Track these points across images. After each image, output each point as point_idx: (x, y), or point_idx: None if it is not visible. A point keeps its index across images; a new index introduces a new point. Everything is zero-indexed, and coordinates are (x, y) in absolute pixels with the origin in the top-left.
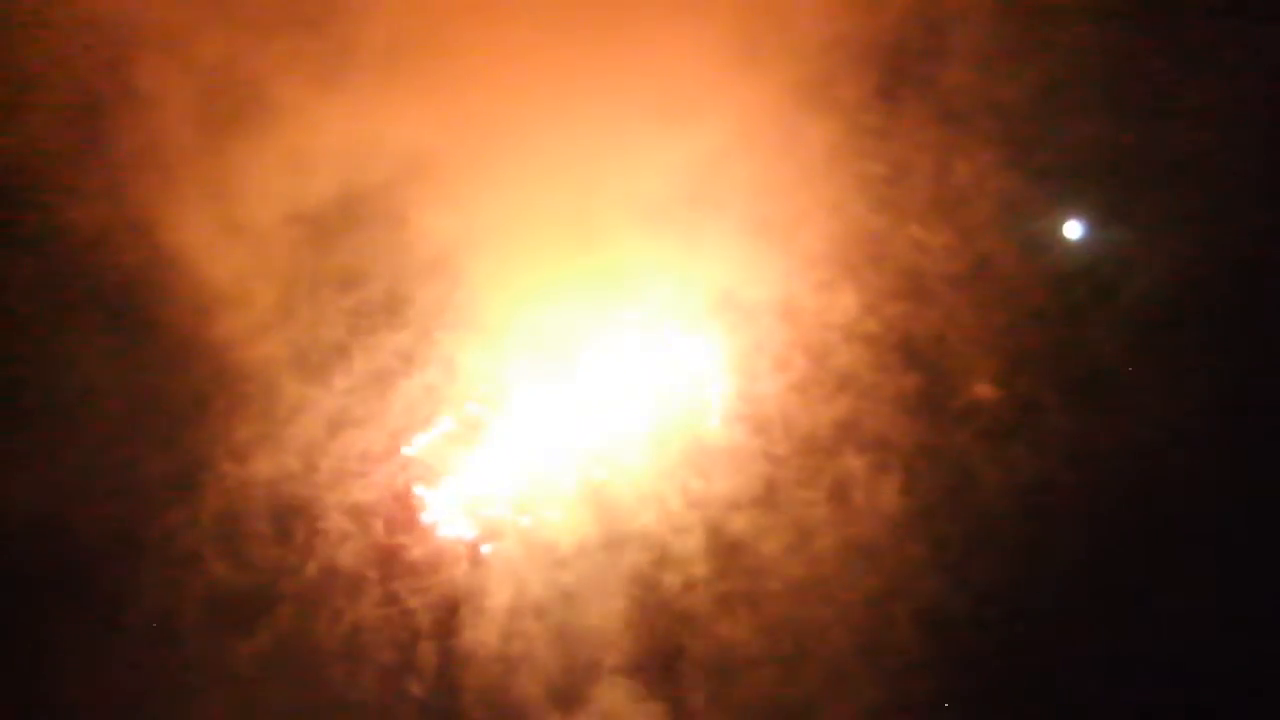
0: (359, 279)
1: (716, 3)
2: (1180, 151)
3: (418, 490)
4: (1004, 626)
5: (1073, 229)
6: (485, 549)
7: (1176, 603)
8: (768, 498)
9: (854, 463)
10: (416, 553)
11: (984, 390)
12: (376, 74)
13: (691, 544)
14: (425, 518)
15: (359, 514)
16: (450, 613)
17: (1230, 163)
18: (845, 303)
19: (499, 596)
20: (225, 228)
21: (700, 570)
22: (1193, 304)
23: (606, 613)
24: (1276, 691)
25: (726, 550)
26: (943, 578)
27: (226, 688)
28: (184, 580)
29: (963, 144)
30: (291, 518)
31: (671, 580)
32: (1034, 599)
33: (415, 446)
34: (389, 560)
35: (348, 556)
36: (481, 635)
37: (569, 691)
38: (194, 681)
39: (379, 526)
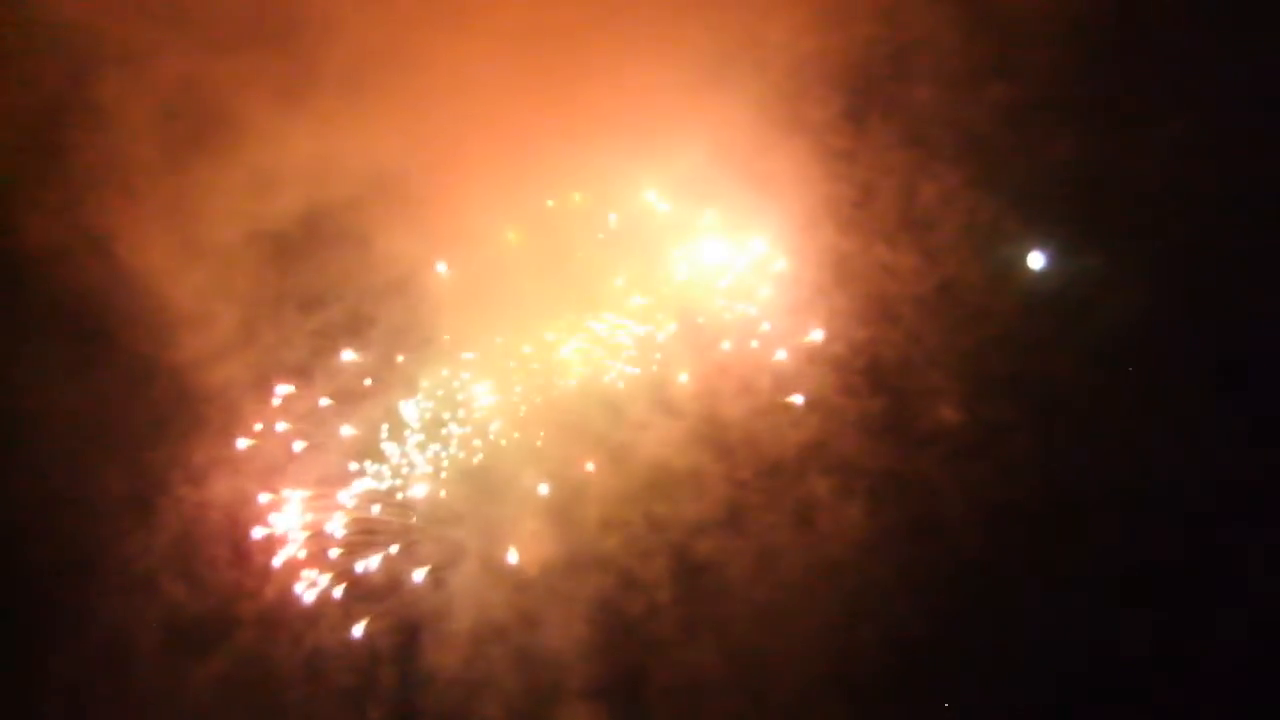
0: (322, 300)
1: (685, 24)
2: (1150, 175)
3: (378, 512)
4: (970, 649)
5: (1041, 253)
6: (447, 572)
7: (1145, 625)
8: (733, 522)
9: (819, 486)
10: (377, 577)
11: (950, 414)
12: (341, 93)
13: (656, 568)
14: (385, 541)
15: (318, 537)
16: (411, 636)
17: (1201, 186)
18: (811, 325)
19: (461, 620)
20: (186, 247)
21: (665, 594)
22: (1161, 327)
23: (570, 637)
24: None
25: (691, 574)
26: (908, 601)
27: (181, 713)
28: (139, 603)
29: (931, 166)
30: (250, 541)
31: (636, 604)
32: (999, 622)
33: (376, 468)
34: (349, 584)
35: (306, 581)
36: (443, 659)
37: (531, 716)
38: (148, 707)
39: (338, 549)
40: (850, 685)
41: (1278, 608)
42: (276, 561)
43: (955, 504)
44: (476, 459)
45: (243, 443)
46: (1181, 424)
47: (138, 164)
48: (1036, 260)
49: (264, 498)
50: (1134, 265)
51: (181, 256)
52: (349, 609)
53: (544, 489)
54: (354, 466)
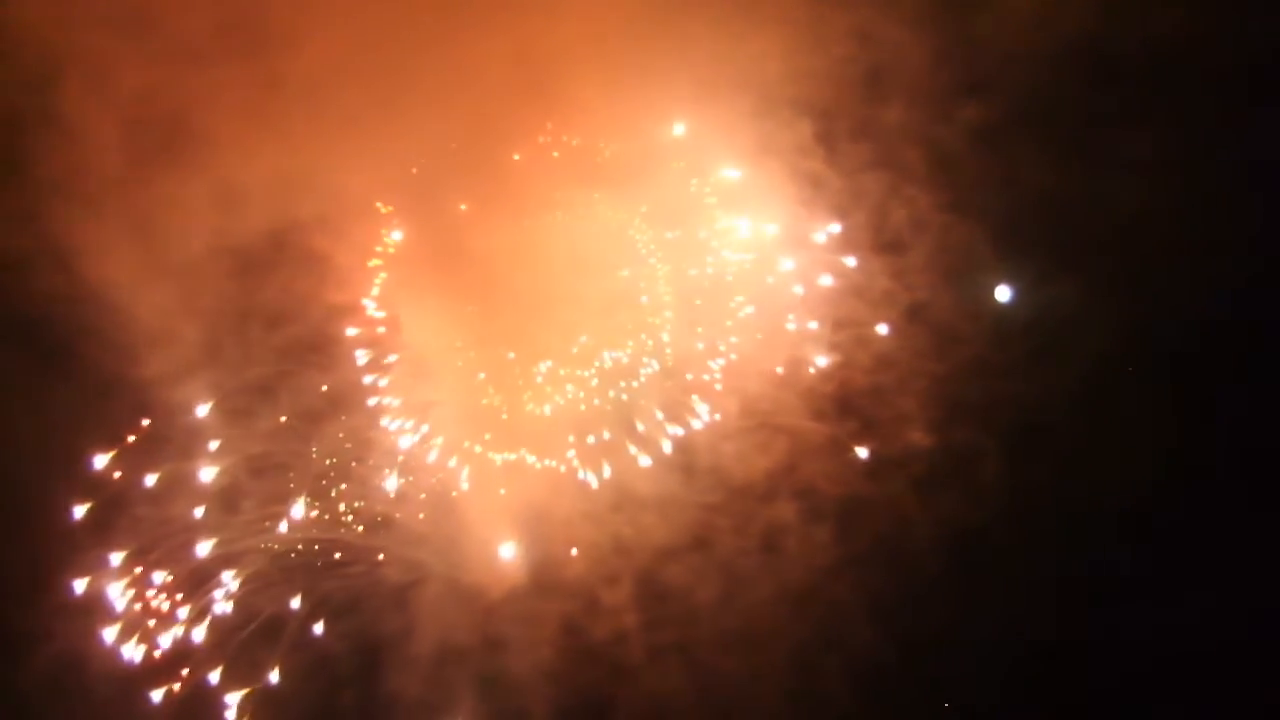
0: (286, 317)
1: (659, 48)
2: (1124, 200)
3: (340, 533)
4: (934, 678)
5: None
6: (410, 594)
7: (1109, 654)
8: (699, 546)
9: (787, 511)
10: (338, 597)
11: (920, 439)
12: (309, 107)
13: (622, 593)
14: (347, 562)
15: (279, 557)
16: (373, 658)
17: (1175, 211)
18: (781, 350)
19: (424, 643)
20: (149, 261)
21: (630, 619)
22: (1133, 354)
23: (534, 661)
24: None
25: (657, 599)
26: (875, 627)
27: None
28: (92, 625)
29: (903, 189)
30: (209, 561)
31: (601, 629)
32: (964, 651)
33: (340, 489)
34: (311, 605)
35: (267, 601)
36: (405, 683)
37: None
38: None
39: (300, 570)
40: (816, 711)
41: (1247, 629)
42: (236, 582)
43: (923, 530)
44: (444, 480)
45: (203, 461)
46: (1152, 450)
47: (100, 176)
48: (1009, 285)
49: (225, 516)
50: (1108, 291)
51: (144, 271)
52: (310, 631)
53: (510, 509)
54: (317, 486)
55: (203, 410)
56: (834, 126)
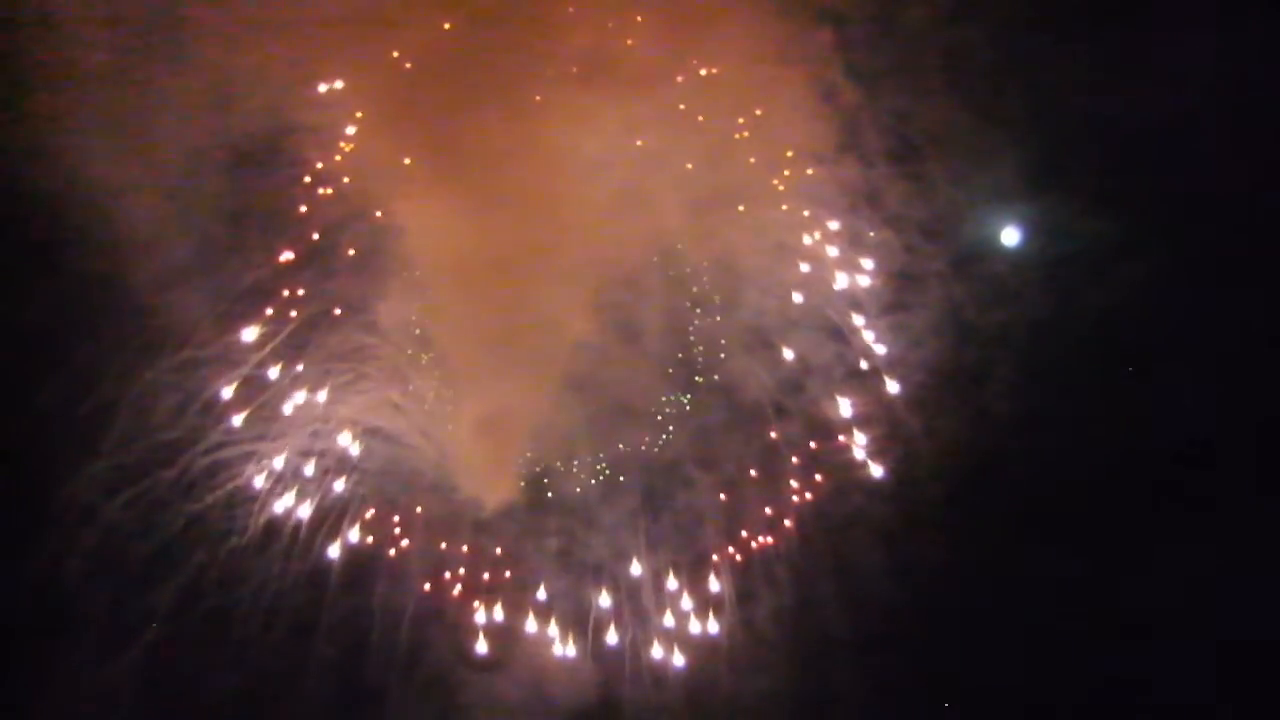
0: (282, 224)
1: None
2: (1152, 133)
3: (331, 444)
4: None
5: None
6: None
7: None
8: (700, 464)
9: (790, 427)
10: (329, 508)
11: (929, 360)
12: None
13: (619, 510)
14: (338, 471)
15: (267, 465)
16: (365, 574)
17: (1206, 151)
18: (789, 265)
19: (416, 560)
20: (141, 159)
21: (626, 538)
22: (1149, 290)
23: (527, 573)
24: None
25: (654, 518)
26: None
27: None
28: (80, 534)
29: (921, 101)
30: (197, 469)
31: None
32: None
33: (334, 398)
34: (299, 516)
35: (258, 509)
36: (395, 599)
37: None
38: (91, 636)
39: (290, 479)
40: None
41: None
42: (223, 491)
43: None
44: (439, 391)
45: (192, 368)
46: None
47: (91, 69)
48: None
49: (215, 424)
50: (1130, 224)
51: (135, 168)
52: (299, 541)
53: (507, 422)
54: (311, 395)
55: (193, 314)
56: (853, 34)
